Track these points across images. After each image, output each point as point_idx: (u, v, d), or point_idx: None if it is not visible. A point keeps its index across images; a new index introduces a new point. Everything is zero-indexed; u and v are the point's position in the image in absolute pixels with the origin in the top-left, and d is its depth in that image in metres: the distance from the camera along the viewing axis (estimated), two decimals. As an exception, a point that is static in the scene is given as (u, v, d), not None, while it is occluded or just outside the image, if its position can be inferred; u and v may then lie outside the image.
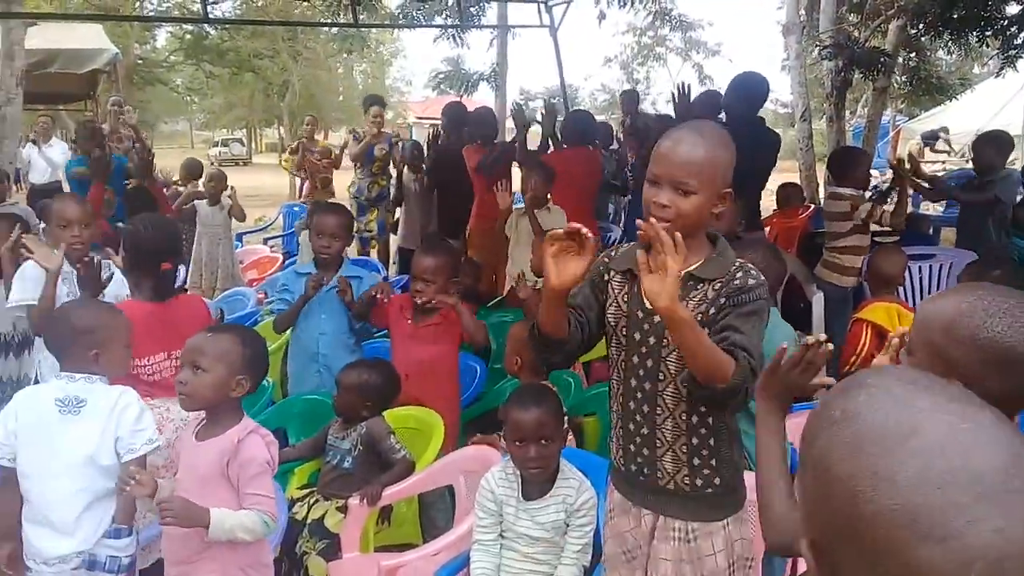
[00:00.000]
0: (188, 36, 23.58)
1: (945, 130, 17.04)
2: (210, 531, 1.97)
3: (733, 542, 1.90)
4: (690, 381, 1.78)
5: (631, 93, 9.22)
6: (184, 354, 2.17)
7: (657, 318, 1.82)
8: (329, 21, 9.51)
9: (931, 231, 7.13)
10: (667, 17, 17.19)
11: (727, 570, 1.88)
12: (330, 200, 8.52)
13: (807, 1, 10.07)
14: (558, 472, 2.43)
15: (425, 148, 7.15)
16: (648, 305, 1.81)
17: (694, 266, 1.83)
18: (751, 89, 4.63)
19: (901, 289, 4.07)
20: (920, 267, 5.03)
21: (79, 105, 14.66)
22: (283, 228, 9.41)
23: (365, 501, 2.78)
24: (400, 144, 8.13)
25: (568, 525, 2.39)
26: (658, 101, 38.27)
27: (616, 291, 1.95)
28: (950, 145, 17.52)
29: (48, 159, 9.04)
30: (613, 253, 2.02)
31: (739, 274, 1.83)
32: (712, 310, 1.80)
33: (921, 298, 5.10)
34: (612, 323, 1.94)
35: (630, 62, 35.63)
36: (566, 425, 2.50)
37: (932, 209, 8.87)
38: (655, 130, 5.94)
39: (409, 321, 3.45)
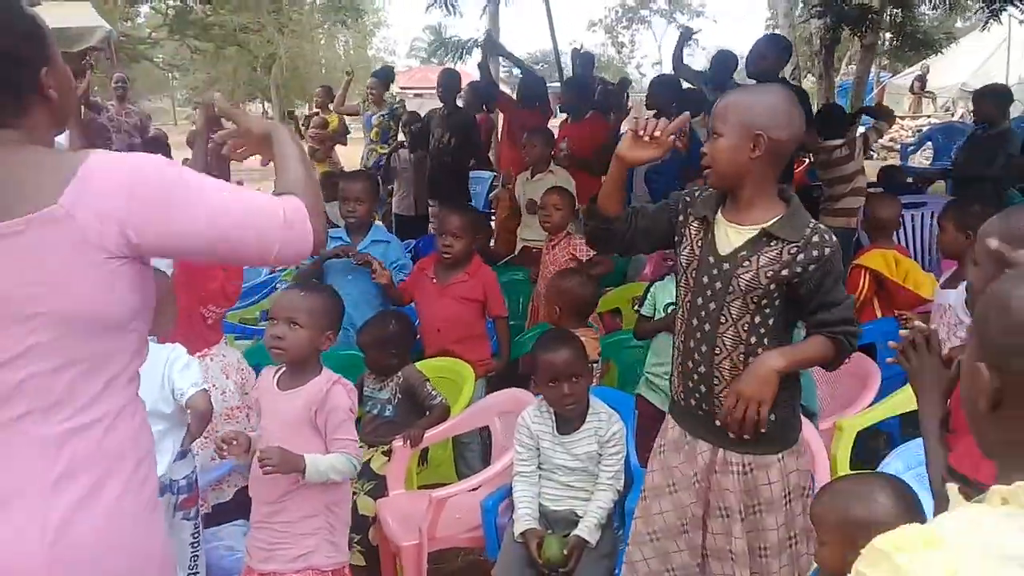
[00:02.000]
0: (171, 11, 23.35)
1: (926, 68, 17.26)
2: (306, 475, 2.15)
3: (788, 473, 2.07)
4: None
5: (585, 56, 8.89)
6: (278, 311, 2.33)
7: (726, 265, 1.99)
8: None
9: (909, 181, 7.31)
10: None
11: (783, 498, 2.05)
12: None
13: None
14: (588, 407, 2.65)
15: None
16: (721, 252, 2.00)
17: (768, 223, 1.96)
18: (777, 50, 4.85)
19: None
20: (912, 215, 5.27)
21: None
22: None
23: (408, 443, 3.00)
24: (401, 112, 8.28)
25: (601, 455, 2.62)
26: (643, 64, 38.25)
27: (692, 235, 2.07)
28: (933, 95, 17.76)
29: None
30: (697, 194, 2.12)
31: (815, 238, 1.94)
32: (785, 271, 1.93)
33: (914, 245, 5.35)
34: (684, 264, 2.09)
35: (615, 26, 35.59)
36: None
37: (918, 161, 9.09)
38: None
39: (435, 281, 3.65)
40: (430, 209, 6.49)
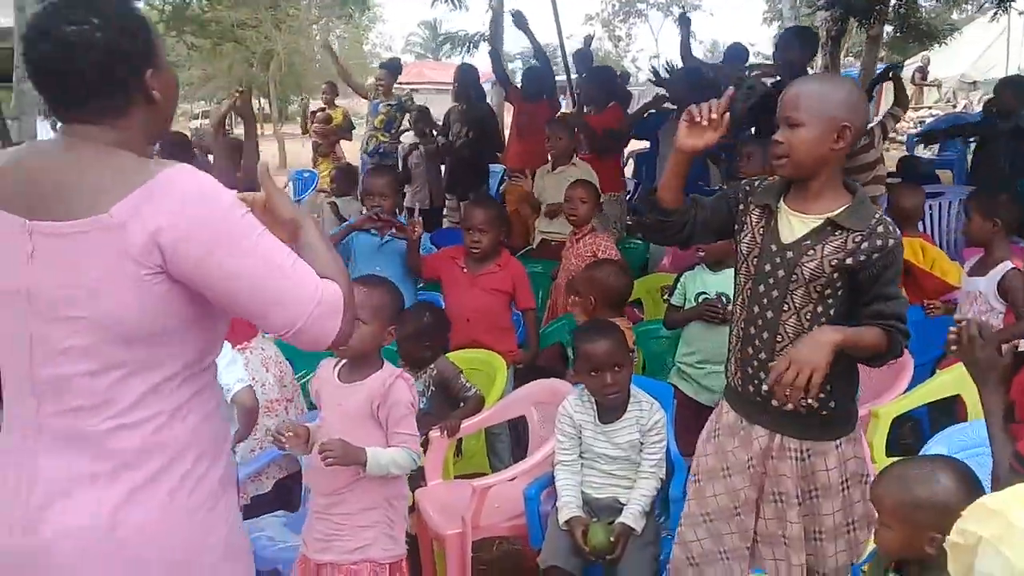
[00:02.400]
0: (168, 7, 23.26)
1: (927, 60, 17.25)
2: (367, 468, 2.15)
3: (846, 460, 2.08)
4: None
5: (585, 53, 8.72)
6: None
7: (790, 253, 2.00)
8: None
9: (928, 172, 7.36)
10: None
11: (840, 485, 2.07)
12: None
13: (799, -49, 10.16)
14: (629, 396, 2.67)
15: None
16: (784, 241, 2.01)
17: (834, 212, 1.97)
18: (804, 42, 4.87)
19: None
20: (930, 204, 5.29)
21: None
22: (293, 195, 9.52)
23: (445, 433, 3.01)
24: (410, 106, 8.28)
25: (643, 443, 2.64)
26: (639, 58, 38.23)
27: (754, 223, 2.08)
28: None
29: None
30: (757, 183, 2.13)
31: (880, 228, 1.95)
32: (849, 260, 1.94)
33: (934, 233, 5.37)
34: (744, 252, 2.10)
35: (611, 19, 35.53)
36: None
37: (929, 152, 9.12)
38: None
39: (465, 271, 3.67)
40: (447, 203, 6.50)
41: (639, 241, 5.39)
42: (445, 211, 6.66)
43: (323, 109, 10.24)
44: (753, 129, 5.29)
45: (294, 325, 1.35)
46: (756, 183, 2.14)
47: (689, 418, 2.98)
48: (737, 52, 7.44)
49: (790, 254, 2.00)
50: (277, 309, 1.35)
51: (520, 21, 6.70)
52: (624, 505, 2.58)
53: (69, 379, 1.34)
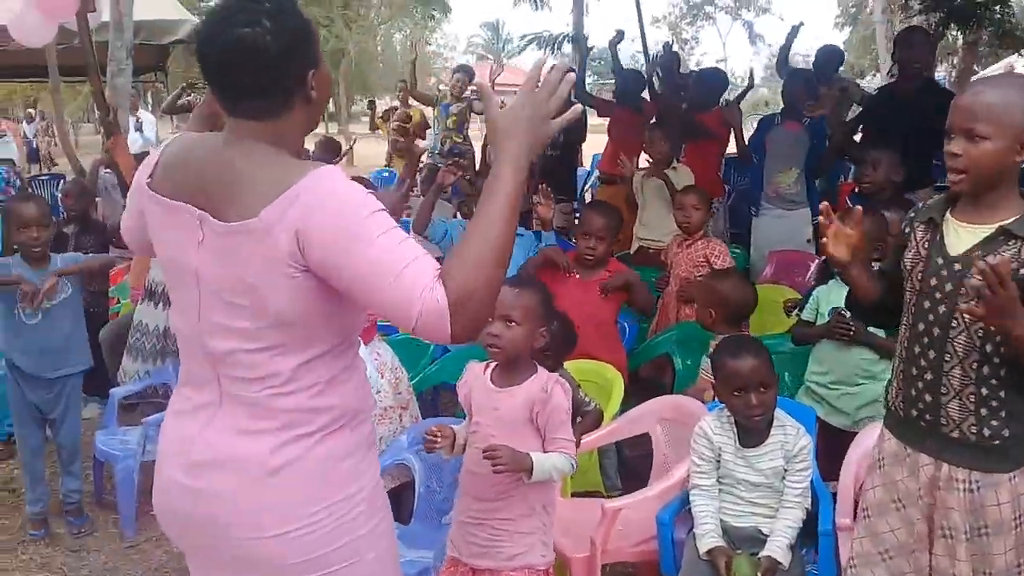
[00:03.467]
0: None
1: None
2: (533, 474, 2.10)
3: (1020, 495, 1.89)
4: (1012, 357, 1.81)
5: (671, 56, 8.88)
6: (498, 307, 2.23)
7: (958, 265, 1.86)
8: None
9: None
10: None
11: (1013, 522, 1.88)
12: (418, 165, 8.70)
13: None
14: (773, 419, 2.50)
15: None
16: (952, 253, 1.87)
17: (1008, 220, 1.83)
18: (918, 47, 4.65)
19: None
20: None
21: (148, 76, 14.86)
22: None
23: (565, 449, 2.88)
24: (479, 107, 8.29)
25: (787, 470, 2.47)
26: (704, 62, 37.74)
27: (918, 238, 1.98)
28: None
29: (142, 133, 9.26)
30: (920, 206, 2.07)
31: None
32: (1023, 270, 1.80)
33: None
34: (908, 267, 1.98)
35: (678, 22, 35.14)
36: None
37: None
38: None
39: (577, 276, 3.54)
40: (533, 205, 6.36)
41: (738, 249, 5.21)
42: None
43: (398, 108, 10.31)
44: (860, 135, 5.08)
45: (407, 327, 1.36)
46: (920, 206, 2.09)
47: (821, 441, 2.81)
48: (831, 54, 7.18)
49: (958, 266, 1.87)
50: (389, 313, 1.37)
51: (615, 40, 6.57)
52: (767, 536, 2.42)
53: (232, 353, 1.46)
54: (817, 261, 4.82)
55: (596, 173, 8.10)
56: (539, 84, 1.43)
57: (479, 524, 2.22)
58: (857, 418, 3.05)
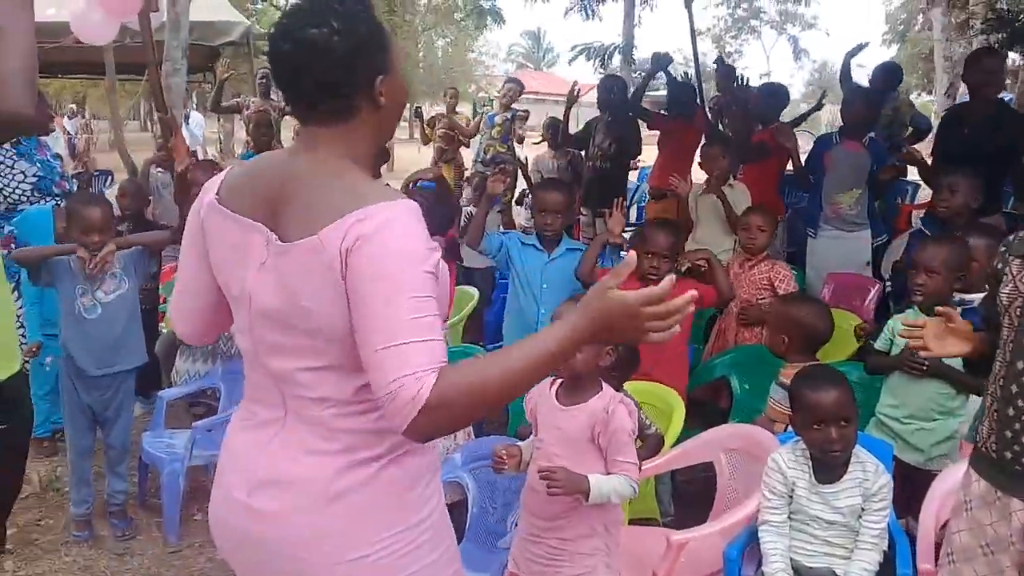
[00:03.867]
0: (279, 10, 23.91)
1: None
2: (590, 497, 2.06)
3: None
4: None
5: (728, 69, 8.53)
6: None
7: None
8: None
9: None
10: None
11: None
12: (462, 173, 8.69)
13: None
14: (851, 455, 2.39)
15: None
16: None
17: None
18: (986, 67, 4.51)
19: None
20: None
21: (196, 77, 15.04)
22: (422, 202, 9.54)
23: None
24: (519, 117, 8.28)
25: (864, 509, 2.35)
26: (746, 76, 37.45)
27: (1015, 273, 1.90)
28: None
29: (189, 131, 9.33)
30: (1012, 239, 1.98)
31: None
32: None
33: None
34: (1005, 303, 1.90)
35: (722, 35, 34.87)
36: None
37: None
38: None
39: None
40: (582, 217, 6.28)
41: (794, 270, 5.07)
42: (581, 225, 6.43)
43: (444, 115, 10.30)
44: (932, 158, 4.92)
45: (375, 396, 1.29)
46: (1012, 238, 1.99)
47: (895, 478, 2.68)
48: (890, 70, 7.03)
49: None
50: (370, 371, 1.29)
51: (663, 62, 6.50)
52: (842, 578, 2.30)
53: (292, 372, 1.43)
54: (877, 286, 4.69)
55: (645, 187, 8.01)
56: (663, 302, 1.29)
57: (538, 542, 2.20)
58: (931, 455, 2.92)
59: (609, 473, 2.16)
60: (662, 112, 6.77)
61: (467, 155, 9.73)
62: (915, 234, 4.19)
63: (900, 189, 6.19)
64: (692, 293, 1.33)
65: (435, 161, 10.31)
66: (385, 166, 17.91)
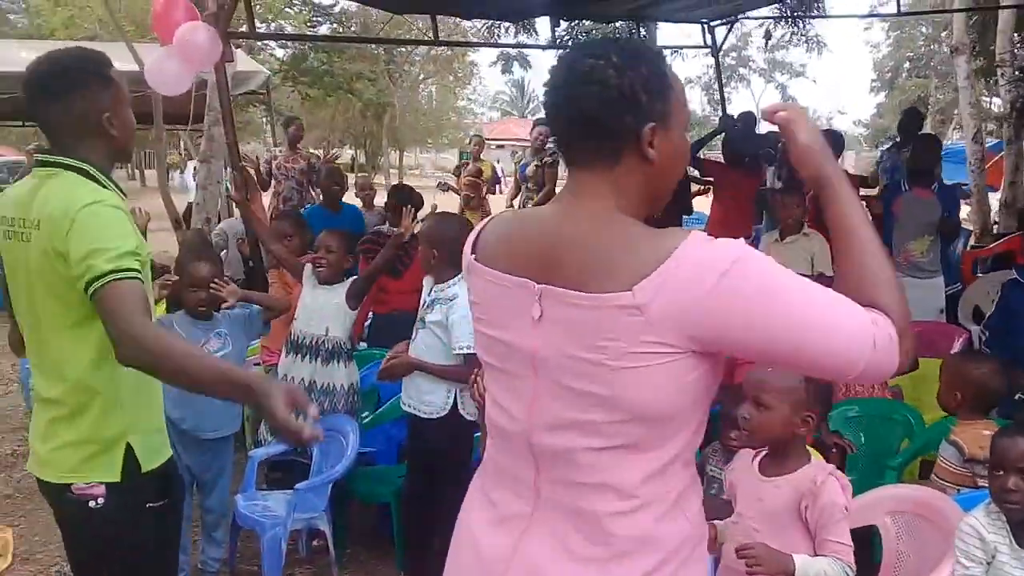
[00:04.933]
0: (286, 58, 24.09)
1: None
2: None
3: None
4: None
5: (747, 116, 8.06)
6: (746, 387, 2.10)
7: None
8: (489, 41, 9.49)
9: None
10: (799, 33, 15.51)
11: None
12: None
13: (976, 21, 9.83)
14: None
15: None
16: None
17: None
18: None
19: None
20: None
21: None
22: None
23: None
24: (550, 163, 8.25)
25: (1070, 576, 2.24)
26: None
27: None
28: None
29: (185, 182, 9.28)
30: None
31: None
32: None
33: None
34: None
35: (712, 83, 35.45)
36: None
37: None
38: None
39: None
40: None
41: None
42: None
43: (468, 163, 10.30)
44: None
45: (852, 372, 1.20)
46: None
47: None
48: (915, 115, 7.20)
49: None
50: (828, 361, 1.20)
51: (730, 122, 6.60)
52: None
53: (571, 452, 1.26)
54: (964, 335, 4.63)
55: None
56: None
57: None
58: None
59: (817, 554, 2.01)
60: (712, 160, 6.76)
61: (494, 202, 9.73)
62: (1011, 284, 4.13)
63: (964, 235, 6.18)
64: None
65: (462, 209, 10.28)
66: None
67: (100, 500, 1.90)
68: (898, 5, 7.77)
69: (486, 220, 1.47)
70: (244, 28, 6.93)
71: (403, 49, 23.03)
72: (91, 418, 1.90)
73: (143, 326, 1.74)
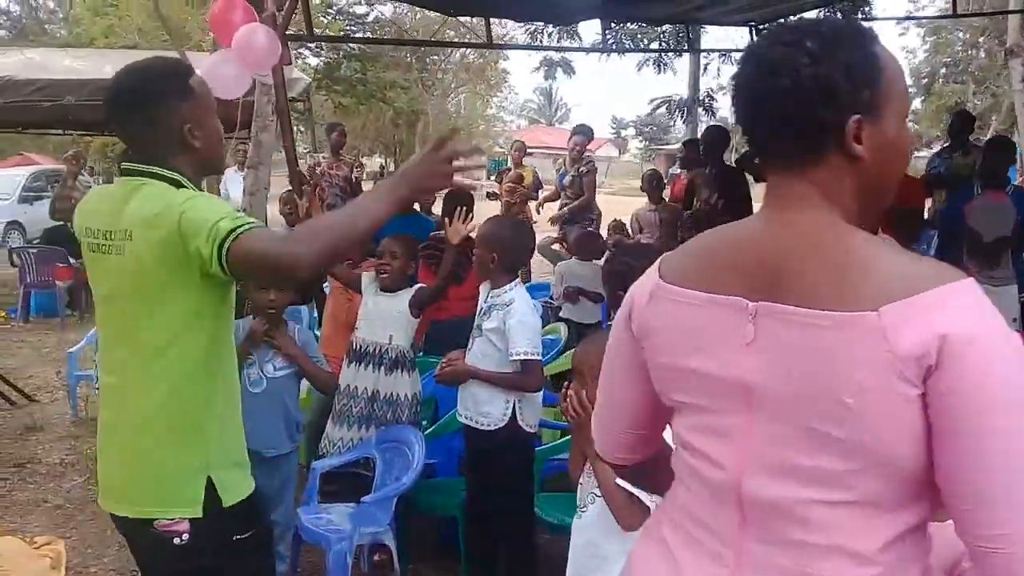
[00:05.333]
0: (320, 67, 24.24)
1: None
2: None
3: None
4: None
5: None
6: None
7: None
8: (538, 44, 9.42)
9: None
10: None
11: None
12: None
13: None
14: None
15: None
16: None
17: None
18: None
19: None
20: None
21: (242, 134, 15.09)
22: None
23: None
24: (588, 171, 8.14)
25: None
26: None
27: None
28: None
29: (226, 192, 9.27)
30: None
31: None
32: None
33: None
34: None
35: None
36: None
37: None
38: None
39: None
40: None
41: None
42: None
43: (510, 168, 10.23)
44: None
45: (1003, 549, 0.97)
46: None
47: None
48: (965, 117, 7.01)
49: None
50: (1002, 511, 0.97)
51: None
52: None
53: (793, 505, 1.07)
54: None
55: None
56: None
57: None
58: None
59: None
60: None
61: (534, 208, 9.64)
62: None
63: None
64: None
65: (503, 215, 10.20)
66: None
67: (185, 536, 1.80)
68: (954, 5, 7.55)
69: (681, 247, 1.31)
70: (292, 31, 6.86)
71: (436, 56, 23.09)
72: (172, 450, 1.81)
73: (285, 242, 1.75)
